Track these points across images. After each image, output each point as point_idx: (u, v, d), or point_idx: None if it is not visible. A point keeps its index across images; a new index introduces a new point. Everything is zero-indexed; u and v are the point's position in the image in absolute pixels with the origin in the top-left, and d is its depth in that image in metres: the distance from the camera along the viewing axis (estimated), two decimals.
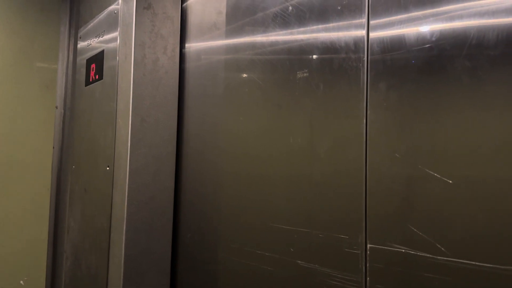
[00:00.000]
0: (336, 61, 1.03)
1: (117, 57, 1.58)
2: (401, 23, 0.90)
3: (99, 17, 1.79)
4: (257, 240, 1.21)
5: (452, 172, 0.78)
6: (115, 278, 1.44)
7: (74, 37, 2.17)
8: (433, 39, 0.84)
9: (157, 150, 1.51)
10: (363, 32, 0.97)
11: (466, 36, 0.79)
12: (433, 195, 0.81)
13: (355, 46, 0.98)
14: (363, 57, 0.96)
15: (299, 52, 1.15)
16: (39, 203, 2.06)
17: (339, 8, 1.03)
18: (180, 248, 1.54)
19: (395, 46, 0.90)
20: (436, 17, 0.84)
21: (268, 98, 1.25)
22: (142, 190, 1.46)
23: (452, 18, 0.82)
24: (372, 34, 0.95)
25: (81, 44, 1.96)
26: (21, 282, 1.99)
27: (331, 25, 1.06)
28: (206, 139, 1.49)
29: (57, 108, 2.14)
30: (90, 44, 1.85)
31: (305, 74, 1.12)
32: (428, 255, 0.80)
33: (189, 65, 1.60)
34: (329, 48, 1.05)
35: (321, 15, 1.09)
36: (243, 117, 1.34)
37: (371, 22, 0.95)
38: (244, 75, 1.37)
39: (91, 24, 1.87)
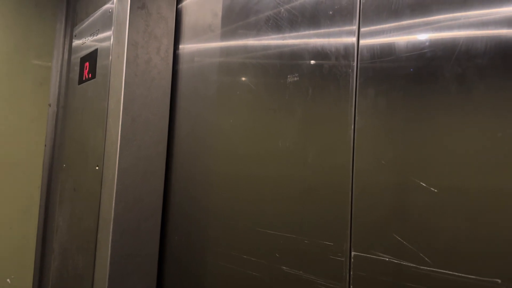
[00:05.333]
0: (326, 67, 1.02)
1: (110, 56, 1.57)
2: (391, 31, 0.89)
3: (94, 16, 1.78)
4: (244, 244, 1.20)
5: (438, 181, 0.77)
6: (100, 279, 1.42)
7: (70, 35, 2.16)
8: (423, 47, 0.83)
9: (147, 151, 1.50)
10: (353, 39, 0.96)
11: (455, 45, 0.79)
12: (418, 204, 0.80)
13: (345, 52, 0.98)
14: (353, 63, 0.95)
15: (290, 57, 1.14)
16: (29, 201, 2.04)
17: (330, 13, 1.02)
18: (168, 250, 1.52)
19: (385, 54, 0.89)
20: (426, 26, 0.83)
21: (259, 102, 1.24)
22: (131, 190, 1.45)
23: (441, 28, 0.81)
24: (363, 41, 0.94)
25: (76, 42, 1.95)
26: (8, 280, 1.97)
27: (322, 31, 1.05)
28: (197, 141, 1.48)
29: (50, 106, 2.12)
30: (85, 42, 1.84)
31: (295, 79, 1.11)
32: (411, 265, 0.79)
33: (183, 66, 1.59)
34: (320, 54, 1.05)
35: (313, 20, 1.08)
36: (234, 120, 1.33)
37: (362, 29, 0.95)
38: (237, 78, 1.36)
39: (86, 22, 1.86)
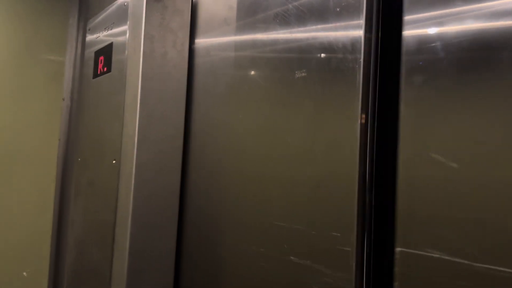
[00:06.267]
0: (333, 61, 1.01)
1: (126, 50, 1.56)
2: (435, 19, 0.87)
3: (109, 10, 1.77)
4: (255, 237, 1.21)
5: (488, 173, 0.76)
6: (119, 273, 1.43)
7: (83, 29, 2.15)
8: (462, 38, 0.82)
9: (163, 145, 1.49)
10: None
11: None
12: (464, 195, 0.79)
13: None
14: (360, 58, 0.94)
15: (309, 51, 1.13)
16: (44, 195, 2.05)
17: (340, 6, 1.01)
18: (184, 244, 1.52)
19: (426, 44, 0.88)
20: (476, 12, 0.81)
21: (277, 97, 1.23)
22: (148, 185, 1.45)
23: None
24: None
25: (89, 37, 1.95)
26: (24, 273, 1.99)
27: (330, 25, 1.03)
28: (213, 136, 1.48)
29: (64, 100, 2.13)
30: (99, 36, 1.84)
31: (311, 74, 1.10)
32: (464, 261, 0.78)
33: (198, 60, 1.58)
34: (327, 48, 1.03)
35: (321, 15, 1.06)
36: (249, 116, 1.32)
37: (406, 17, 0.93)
38: (253, 73, 1.35)
39: (100, 16, 1.85)
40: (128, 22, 1.57)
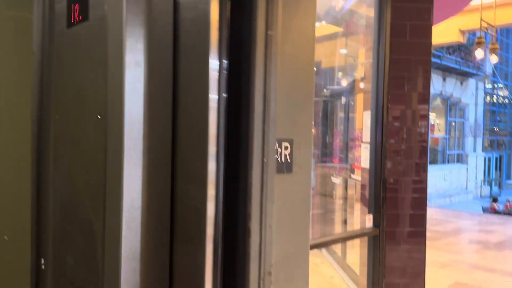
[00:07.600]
0: None
1: None
2: None
3: None
4: None
5: None
6: (113, 229, 1.38)
7: None
8: None
9: (153, 98, 1.41)
10: None
11: None
12: None
13: None
14: None
15: None
16: (20, 155, 1.94)
17: None
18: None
19: None
20: None
21: None
22: (139, 139, 1.38)
23: None
24: None
25: None
26: (5, 237, 1.91)
27: None
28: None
29: (34, 54, 1.97)
30: None
31: None
32: None
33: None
34: None
35: None
36: None
37: None
38: None
39: None
40: None
